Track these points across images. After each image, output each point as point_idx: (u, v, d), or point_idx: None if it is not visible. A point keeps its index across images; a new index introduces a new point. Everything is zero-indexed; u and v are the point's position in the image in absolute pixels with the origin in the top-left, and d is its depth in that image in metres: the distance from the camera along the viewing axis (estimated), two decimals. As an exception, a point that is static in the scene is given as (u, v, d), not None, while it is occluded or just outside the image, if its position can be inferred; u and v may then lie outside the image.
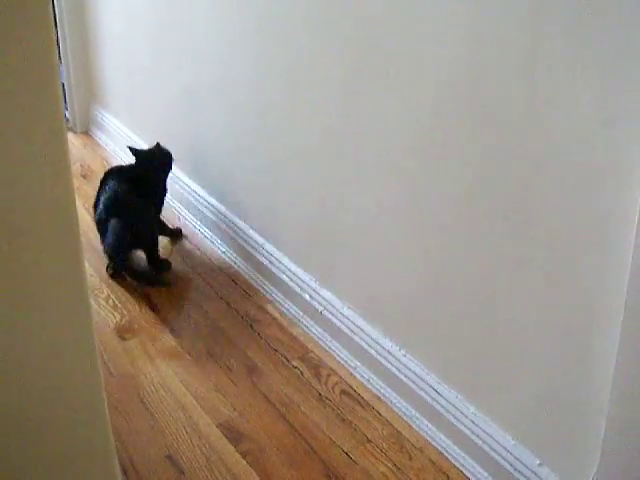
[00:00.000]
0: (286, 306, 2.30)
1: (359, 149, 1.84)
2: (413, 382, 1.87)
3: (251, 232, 2.43)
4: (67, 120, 3.64)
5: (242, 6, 2.13)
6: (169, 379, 2.04)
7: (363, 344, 2.01)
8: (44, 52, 0.78)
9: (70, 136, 3.57)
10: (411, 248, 1.78)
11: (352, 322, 2.04)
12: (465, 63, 1.48)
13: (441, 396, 1.79)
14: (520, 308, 1.52)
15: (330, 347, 2.14)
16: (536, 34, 1.32)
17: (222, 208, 2.58)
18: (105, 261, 2.53)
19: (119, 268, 2.49)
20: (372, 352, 1.98)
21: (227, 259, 2.59)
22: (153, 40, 2.78)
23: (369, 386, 2.02)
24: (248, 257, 2.46)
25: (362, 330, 2.01)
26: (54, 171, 0.86)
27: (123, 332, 2.23)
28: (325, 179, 2.00)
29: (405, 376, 1.89)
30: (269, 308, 2.34)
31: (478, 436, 1.69)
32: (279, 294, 2.33)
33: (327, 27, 1.84)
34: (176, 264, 2.58)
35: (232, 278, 2.50)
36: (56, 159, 0.86)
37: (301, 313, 2.24)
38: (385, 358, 1.95)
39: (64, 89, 3.55)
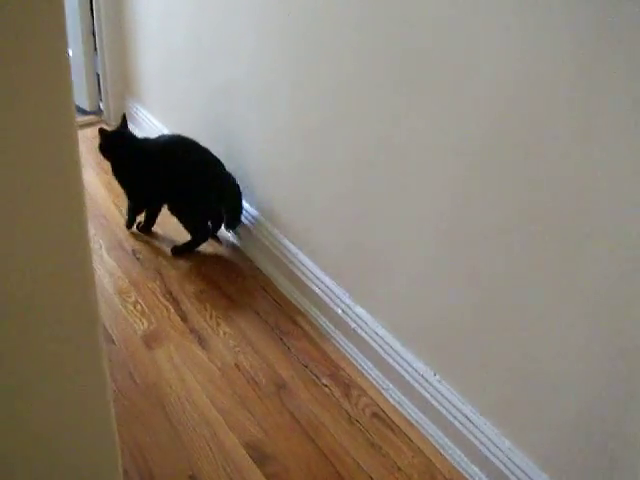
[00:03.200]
0: (318, 319, 2.30)
1: (399, 164, 1.83)
2: (447, 410, 1.86)
3: (284, 240, 2.43)
4: (101, 112, 3.67)
5: (286, 5, 2.12)
6: (195, 392, 2.05)
7: (396, 365, 2.01)
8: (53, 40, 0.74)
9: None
10: (450, 270, 1.77)
11: (385, 342, 2.04)
12: (514, 88, 1.46)
13: (476, 427, 1.78)
14: (563, 342, 1.50)
15: (362, 366, 2.14)
16: (590, 78, 1.30)
17: (254, 212, 2.58)
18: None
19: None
20: (405, 375, 1.98)
21: (258, 266, 2.59)
22: (191, 35, 2.77)
23: (401, 410, 2.01)
24: (280, 265, 2.46)
25: (395, 351, 2.01)
26: (62, 180, 0.82)
27: (150, 340, 2.24)
28: (363, 192, 1.99)
29: (439, 403, 1.88)
30: (300, 320, 2.34)
31: (512, 472, 1.68)
32: (311, 306, 2.33)
33: (372, 33, 1.82)
34: (205, 269, 2.59)
35: (262, 286, 2.50)
36: (65, 162, 0.82)
37: (333, 328, 2.24)
38: (418, 382, 1.94)
39: (99, 80, 3.57)
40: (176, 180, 2.54)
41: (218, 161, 2.60)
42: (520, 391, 1.65)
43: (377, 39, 1.79)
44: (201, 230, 2.68)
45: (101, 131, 2.60)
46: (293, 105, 2.21)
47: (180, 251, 2.68)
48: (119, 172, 2.69)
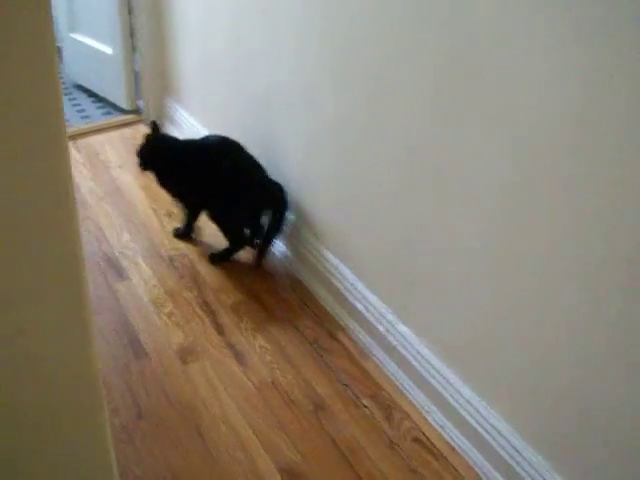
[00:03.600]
0: (359, 335, 2.23)
1: (448, 180, 1.75)
2: (492, 437, 1.78)
3: (325, 252, 2.36)
4: (140, 111, 3.62)
5: (331, 8, 2.04)
6: (231, 412, 1.99)
7: (440, 388, 1.93)
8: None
9: (142, 128, 3.56)
10: (498, 292, 1.68)
11: (429, 363, 1.96)
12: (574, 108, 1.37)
13: (524, 458, 1.70)
14: (619, 376, 1.42)
15: (404, 386, 2.06)
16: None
17: (294, 220, 2.51)
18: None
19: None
20: (449, 398, 1.90)
21: (298, 277, 2.52)
22: (231, 36, 2.71)
23: (444, 434, 1.93)
24: (321, 277, 2.39)
25: (440, 373, 1.93)
26: (50, 191, 0.78)
27: (185, 354, 2.19)
28: (410, 207, 1.91)
29: (484, 430, 1.80)
30: (340, 336, 2.27)
31: (563, 510, 1.59)
32: (352, 322, 2.26)
33: (420, 37, 1.74)
34: (243, 279, 2.53)
35: (302, 299, 2.43)
36: (54, 173, 0.77)
37: (375, 345, 2.17)
38: (463, 407, 1.86)
39: (137, 79, 3.52)
40: (218, 184, 2.47)
41: (262, 167, 2.53)
42: (572, 425, 1.56)
43: (425, 43, 1.71)
44: (239, 237, 2.62)
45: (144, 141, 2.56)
46: (335, 110, 2.14)
47: (218, 259, 2.63)
48: (167, 180, 2.62)
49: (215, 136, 2.59)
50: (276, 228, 2.52)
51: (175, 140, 2.61)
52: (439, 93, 1.70)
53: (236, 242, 2.63)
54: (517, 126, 1.50)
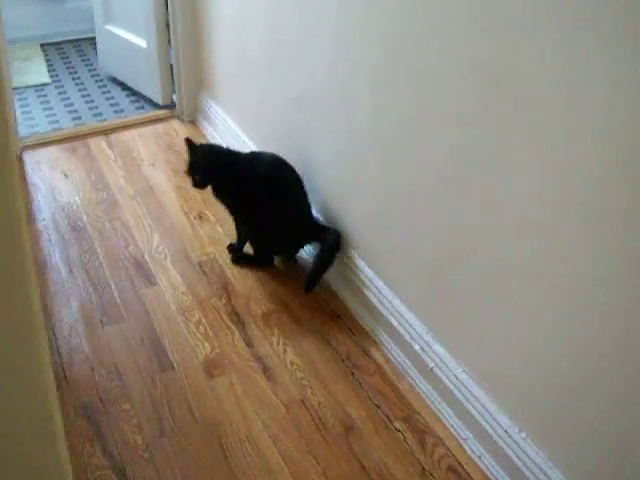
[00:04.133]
0: (393, 353, 2.15)
1: (495, 198, 1.66)
2: (531, 471, 1.70)
3: (360, 263, 2.27)
4: (174, 106, 3.56)
5: (373, 9, 1.96)
6: (257, 431, 1.93)
7: (477, 415, 1.85)
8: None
9: (176, 124, 3.50)
10: (543, 319, 1.60)
11: (466, 388, 1.88)
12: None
13: (564, 497, 1.61)
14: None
15: (439, 410, 1.98)
16: None
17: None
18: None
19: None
20: (486, 426, 1.82)
21: (332, 288, 2.44)
22: (267, 34, 2.64)
23: (480, 464, 1.85)
24: (356, 291, 2.31)
25: (477, 399, 1.85)
26: None
27: (212, 367, 2.12)
28: (454, 222, 1.82)
29: (522, 463, 1.72)
30: (373, 352, 2.19)
31: None
32: (386, 337, 2.18)
33: (466, 48, 1.65)
34: (275, 287, 2.46)
35: (336, 311, 2.35)
36: None
37: (409, 364, 2.08)
38: (501, 437, 1.78)
39: (172, 73, 3.46)
40: (265, 205, 2.40)
41: (307, 196, 2.45)
42: (618, 467, 1.48)
43: (470, 52, 1.63)
44: (265, 259, 2.57)
45: (191, 148, 2.43)
46: (373, 117, 2.05)
47: (241, 261, 2.57)
48: (226, 193, 2.51)
49: (271, 156, 2.46)
50: (328, 263, 2.39)
51: (229, 152, 2.50)
52: (485, 103, 1.62)
53: (262, 260, 2.57)
54: (569, 144, 1.41)
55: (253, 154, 2.53)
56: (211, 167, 2.41)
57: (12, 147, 0.73)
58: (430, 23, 1.75)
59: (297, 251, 2.55)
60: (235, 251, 2.60)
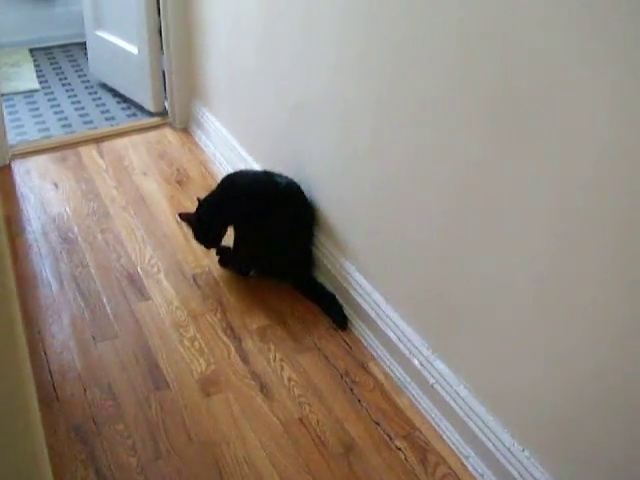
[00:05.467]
0: (392, 367, 2.13)
1: (496, 217, 1.65)
2: (536, 491, 1.68)
3: (358, 276, 2.26)
4: (166, 114, 3.54)
5: (373, 23, 1.94)
6: (255, 452, 1.91)
7: (478, 432, 1.83)
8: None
9: (168, 132, 3.48)
10: (547, 337, 1.59)
11: (468, 405, 1.86)
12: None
13: (570, 519, 1.60)
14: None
15: (440, 427, 1.97)
16: None
17: (327, 242, 2.41)
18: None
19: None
20: (489, 444, 1.80)
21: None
22: (261, 43, 2.62)
23: (483, 483, 1.84)
24: (352, 303, 2.29)
25: (479, 417, 1.83)
26: None
27: (208, 385, 2.11)
28: (454, 240, 1.81)
29: (526, 482, 1.71)
30: (372, 367, 2.17)
31: None
32: (385, 352, 2.16)
33: (472, 70, 1.64)
34: (270, 301, 2.44)
35: (333, 325, 2.33)
36: None
37: (409, 379, 2.07)
38: (504, 455, 1.77)
39: (164, 79, 3.44)
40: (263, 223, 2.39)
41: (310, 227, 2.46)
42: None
43: (476, 74, 1.61)
44: (242, 268, 2.57)
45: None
46: (375, 131, 2.04)
47: (227, 265, 2.58)
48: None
49: (288, 182, 2.44)
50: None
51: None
52: (491, 124, 1.60)
53: (240, 270, 2.57)
54: (574, 168, 1.40)
55: (271, 182, 2.47)
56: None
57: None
58: (437, 47, 1.73)
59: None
60: (222, 253, 2.59)
